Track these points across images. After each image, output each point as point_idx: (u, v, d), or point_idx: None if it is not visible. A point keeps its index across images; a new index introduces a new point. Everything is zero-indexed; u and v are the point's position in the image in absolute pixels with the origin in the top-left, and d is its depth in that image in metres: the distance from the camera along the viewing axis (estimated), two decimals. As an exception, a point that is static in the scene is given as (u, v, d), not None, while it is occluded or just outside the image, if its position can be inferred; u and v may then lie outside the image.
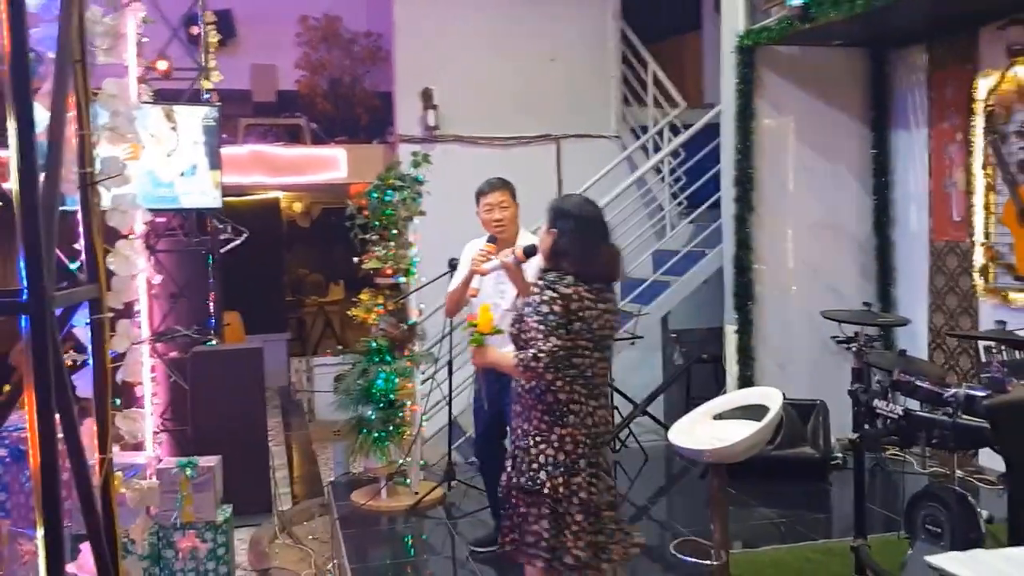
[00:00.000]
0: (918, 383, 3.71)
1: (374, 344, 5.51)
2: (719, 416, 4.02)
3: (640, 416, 6.88)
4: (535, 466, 3.03)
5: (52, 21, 2.32)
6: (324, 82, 10.16)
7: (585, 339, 3.00)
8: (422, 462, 5.88)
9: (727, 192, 6.59)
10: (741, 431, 3.62)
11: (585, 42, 9.07)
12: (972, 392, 3.41)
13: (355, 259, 5.65)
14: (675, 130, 8.23)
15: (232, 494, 5.06)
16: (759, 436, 3.58)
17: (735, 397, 4.09)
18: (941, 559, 2.10)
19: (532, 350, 2.95)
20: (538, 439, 3.04)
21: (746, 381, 6.42)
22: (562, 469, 3.01)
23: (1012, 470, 1.35)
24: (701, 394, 7.30)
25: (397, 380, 5.54)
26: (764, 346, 6.52)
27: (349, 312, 5.84)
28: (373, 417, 5.53)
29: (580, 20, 9.04)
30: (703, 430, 3.89)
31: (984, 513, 3.54)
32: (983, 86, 5.74)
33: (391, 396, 5.53)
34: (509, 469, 3.15)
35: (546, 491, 3.01)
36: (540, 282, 3.06)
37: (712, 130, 7.29)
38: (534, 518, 3.06)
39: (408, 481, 5.75)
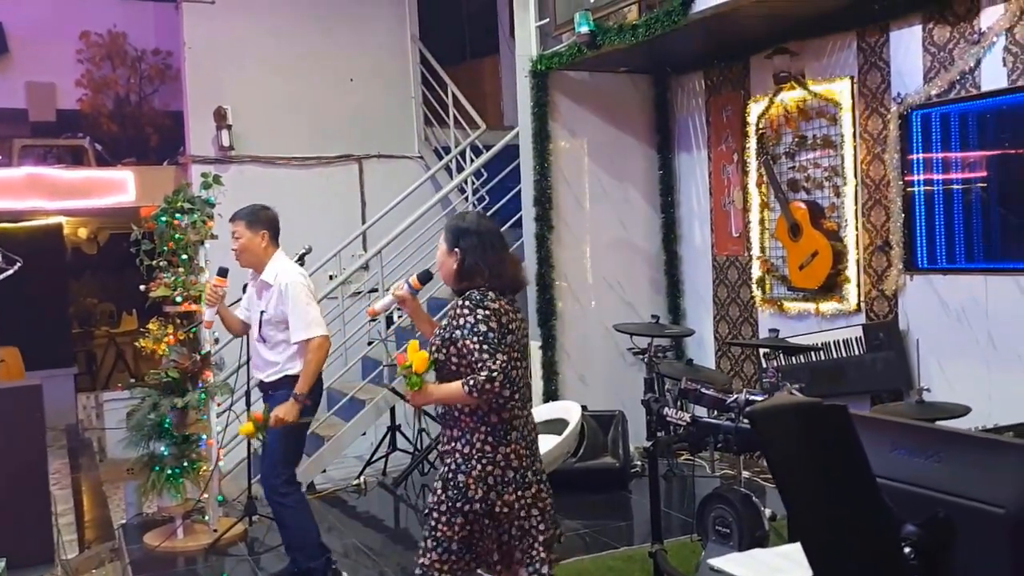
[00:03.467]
0: (703, 390, 3.93)
1: (165, 376, 5.24)
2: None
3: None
4: (484, 488, 2.96)
5: None
6: (109, 101, 9.61)
7: (516, 351, 3.02)
8: (220, 498, 5.62)
9: (527, 211, 6.75)
10: (544, 445, 3.70)
11: (385, 63, 9.07)
12: (751, 397, 3.64)
13: (142, 287, 5.36)
14: (477, 151, 8.35)
15: (7, 546, 4.65)
16: (562, 449, 3.68)
17: (537, 412, 4.18)
18: (721, 561, 2.21)
19: (483, 372, 2.88)
20: (483, 461, 2.96)
21: (550, 395, 6.56)
22: (513, 486, 2.99)
23: (776, 471, 1.43)
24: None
25: (192, 414, 5.30)
26: (566, 360, 6.70)
27: (138, 343, 5.52)
28: (166, 453, 5.26)
29: (380, 41, 9.03)
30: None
31: (768, 511, 3.78)
32: (754, 111, 6.18)
33: (186, 431, 5.27)
34: (439, 492, 3.02)
35: (505, 511, 2.98)
36: (466, 303, 2.98)
37: (512, 151, 7.45)
38: (492, 538, 3.03)
39: (207, 518, 5.49)
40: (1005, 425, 2.88)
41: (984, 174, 4.93)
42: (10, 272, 6.16)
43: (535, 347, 6.73)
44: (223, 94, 8.25)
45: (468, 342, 2.93)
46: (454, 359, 2.97)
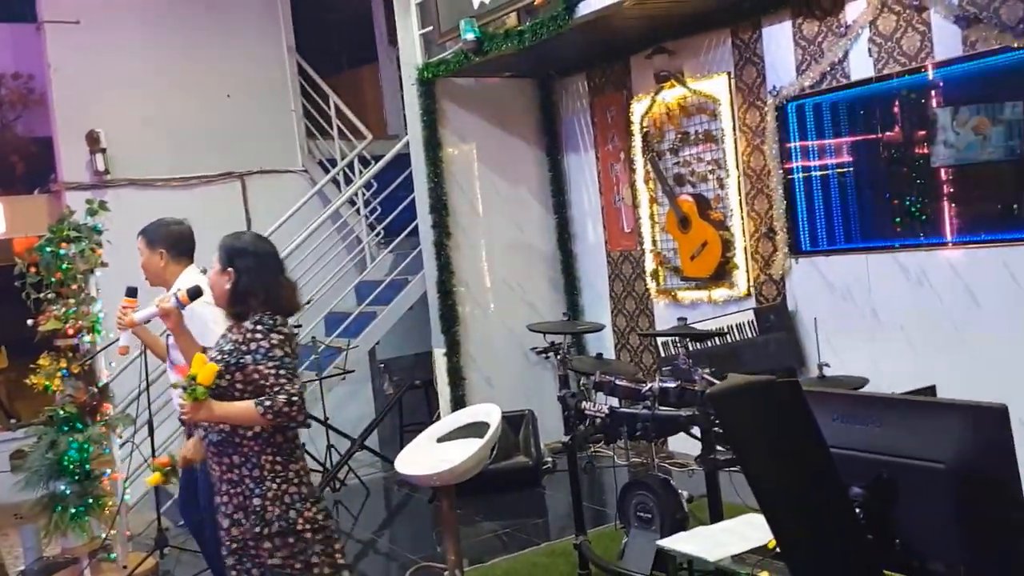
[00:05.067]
0: (617, 382, 4.05)
1: (61, 412, 5.03)
2: (442, 439, 4.12)
3: (358, 450, 6.86)
4: (281, 507, 2.93)
5: None
6: (-34, 129, 9.10)
7: (299, 375, 3.03)
8: (128, 532, 5.44)
9: (424, 219, 6.77)
10: (466, 450, 3.74)
11: (262, 76, 8.90)
12: (665, 384, 3.78)
13: (29, 321, 5.13)
14: (364, 161, 8.31)
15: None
16: (483, 452, 3.72)
17: (456, 418, 4.22)
18: (670, 541, 2.31)
19: (282, 395, 2.84)
20: (277, 480, 2.93)
21: (458, 401, 6.62)
22: (311, 502, 2.99)
23: (737, 446, 1.53)
24: (414, 420, 7.42)
25: (92, 448, 5.10)
26: (472, 365, 6.76)
27: (29, 380, 5.27)
28: (68, 492, 5.05)
29: (256, 54, 8.86)
30: (429, 454, 3.97)
31: (685, 494, 3.92)
32: (638, 110, 6.38)
33: (87, 467, 5.07)
34: (242, 522, 2.95)
35: (307, 526, 2.95)
36: (259, 327, 2.93)
37: (402, 160, 7.45)
38: (287, 558, 2.95)
39: (114, 556, 5.29)
40: (899, 394, 3.08)
41: (857, 159, 5.24)
42: None
43: (439, 354, 6.77)
44: (95, 116, 7.94)
45: (262, 367, 2.88)
46: (239, 385, 2.91)
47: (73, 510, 5.05)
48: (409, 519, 6.21)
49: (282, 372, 2.87)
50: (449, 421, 4.23)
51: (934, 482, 1.40)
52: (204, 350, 3.12)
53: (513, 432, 6.21)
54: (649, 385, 3.83)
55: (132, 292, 4.13)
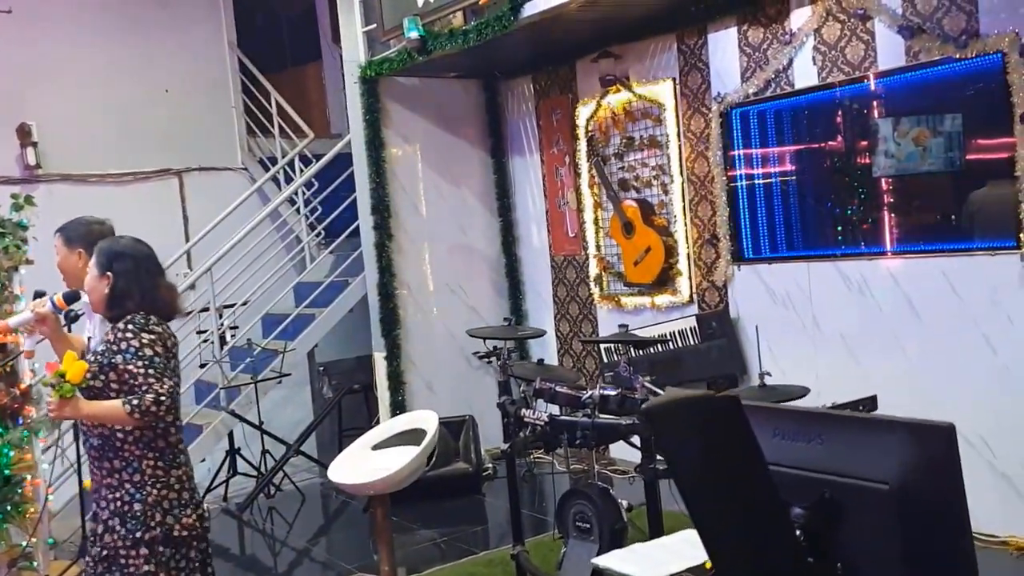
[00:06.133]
0: (557, 389, 3.98)
1: (-20, 415, 4.81)
2: (377, 446, 4.01)
3: (293, 456, 6.70)
4: (161, 512, 2.88)
5: None
6: None
7: (178, 375, 2.99)
8: (51, 540, 5.22)
9: (365, 220, 6.65)
10: (401, 458, 3.64)
11: (201, 72, 8.69)
12: (605, 392, 3.72)
13: (-52, 320, 4.90)
14: (305, 160, 8.15)
15: None
16: (420, 460, 3.63)
17: (392, 425, 4.11)
18: (605, 560, 2.24)
19: (150, 395, 2.79)
20: (158, 486, 2.89)
21: (398, 406, 6.51)
22: (191, 507, 2.95)
23: (673, 463, 1.46)
24: (353, 424, 7.28)
25: (12, 453, 4.89)
26: (412, 369, 6.65)
27: (-55, 381, 5.03)
28: (-14, 499, 4.82)
29: (194, 50, 8.64)
30: (364, 462, 3.86)
31: (624, 503, 3.86)
32: (583, 113, 6.34)
33: (7, 472, 4.86)
34: (117, 528, 2.87)
35: (184, 533, 2.91)
36: (129, 326, 2.88)
37: (344, 159, 7.31)
38: (158, 565, 2.88)
39: (36, 564, 5.07)
40: (843, 403, 3.06)
41: (800, 167, 5.25)
42: None
43: (379, 358, 6.65)
44: (26, 109, 7.67)
45: (131, 366, 2.85)
46: (113, 385, 2.88)
47: (-9, 518, 4.84)
48: (346, 526, 6.07)
49: (151, 372, 2.82)
50: (385, 428, 4.13)
51: (878, 503, 1.34)
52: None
53: (453, 438, 6.12)
54: (590, 392, 3.77)
55: (40, 295, 3.93)
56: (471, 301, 6.96)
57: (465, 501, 5.94)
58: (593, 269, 6.40)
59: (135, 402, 2.79)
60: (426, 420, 3.93)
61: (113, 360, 2.86)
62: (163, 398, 2.81)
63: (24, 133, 7.64)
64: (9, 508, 4.90)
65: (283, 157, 8.33)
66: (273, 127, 8.59)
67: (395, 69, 6.33)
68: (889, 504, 1.33)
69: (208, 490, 6.44)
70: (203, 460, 6.66)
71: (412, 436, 3.95)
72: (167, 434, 2.93)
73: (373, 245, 6.58)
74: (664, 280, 5.83)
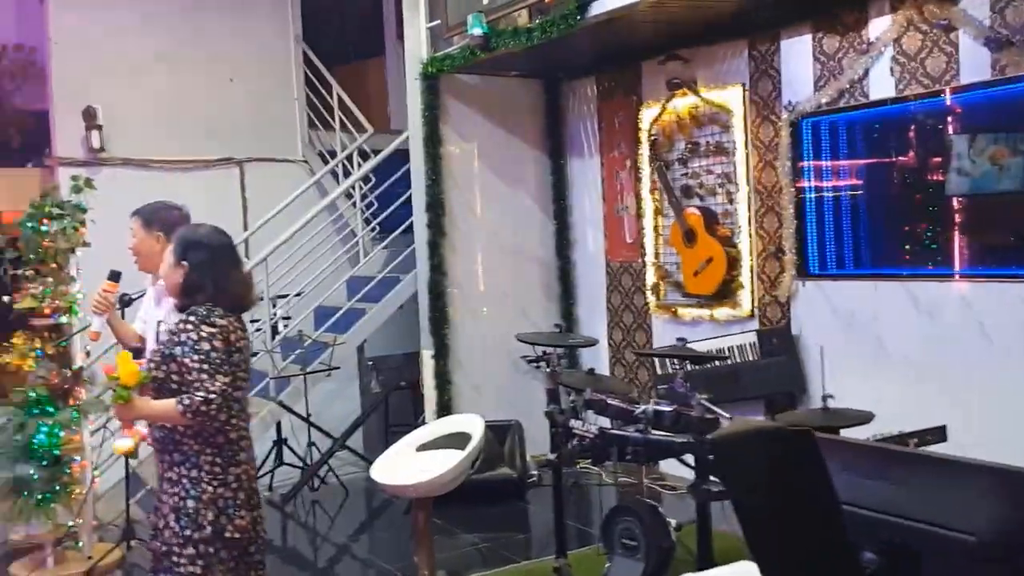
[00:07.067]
0: (609, 401, 3.86)
1: (32, 394, 4.86)
2: (422, 447, 3.94)
3: (339, 450, 6.67)
4: (215, 511, 2.82)
5: None
6: (-37, 98, 8.90)
7: (243, 370, 2.91)
8: (96, 522, 5.26)
9: (419, 218, 6.59)
10: (446, 462, 3.56)
11: (267, 63, 8.73)
12: (660, 408, 3.59)
13: (4, 298, 4.96)
14: (364, 155, 8.13)
15: None
16: (464, 465, 3.55)
17: (437, 427, 4.04)
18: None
19: (200, 393, 2.73)
20: (215, 483, 2.82)
21: (444, 406, 6.43)
22: (246, 509, 2.88)
23: (736, 496, 1.35)
24: (399, 421, 7.24)
25: (62, 433, 4.93)
26: (460, 370, 6.57)
27: (1, 358, 5.10)
28: (36, 477, 4.87)
29: (261, 40, 8.69)
30: (407, 463, 3.79)
31: (673, 522, 3.74)
32: (647, 117, 6.20)
33: (55, 452, 4.90)
34: (172, 525, 2.82)
35: (237, 535, 2.85)
36: (191, 317, 2.83)
37: (402, 155, 7.27)
38: (206, 568, 2.82)
39: (80, 544, 5.12)
40: (908, 432, 2.91)
41: (870, 181, 5.06)
42: None
43: (427, 356, 6.59)
44: (93, 92, 7.77)
45: (188, 360, 2.79)
46: (175, 377, 2.82)
47: (39, 496, 4.88)
48: (388, 524, 6.02)
49: (205, 367, 2.76)
50: (431, 429, 4.05)
51: (961, 556, 1.21)
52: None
53: (498, 442, 6.02)
54: (643, 407, 3.64)
55: (115, 276, 3.93)
56: (522, 304, 6.85)
57: (508, 507, 5.85)
58: (650, 277, 6.26)
59: (186, 401, 2.74)
60: (472, 424, 3.85)
61: (173, 351, 2.82)
62: (213, 396, 2.74)
63: (90, 116, 7.74)
64: (57, 488, 4.94)
65: (342, 150, 8.32)
66: (334, 120, 8.59)
67: (457, 66, 6.26)
68: (974, 557, 1.20)
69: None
70: (249, 449, 6.66)
71: (458, 439, 3.87)
72: (226, 430, 2.86)
73: (426, 242, 6.53)
74: (725, 292, 5.66)
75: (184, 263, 2.91)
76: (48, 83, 7.99)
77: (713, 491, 3.37)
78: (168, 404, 2.77)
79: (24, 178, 8.49)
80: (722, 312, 5.71)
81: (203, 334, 2.80)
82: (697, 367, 5.34)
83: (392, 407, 7.59)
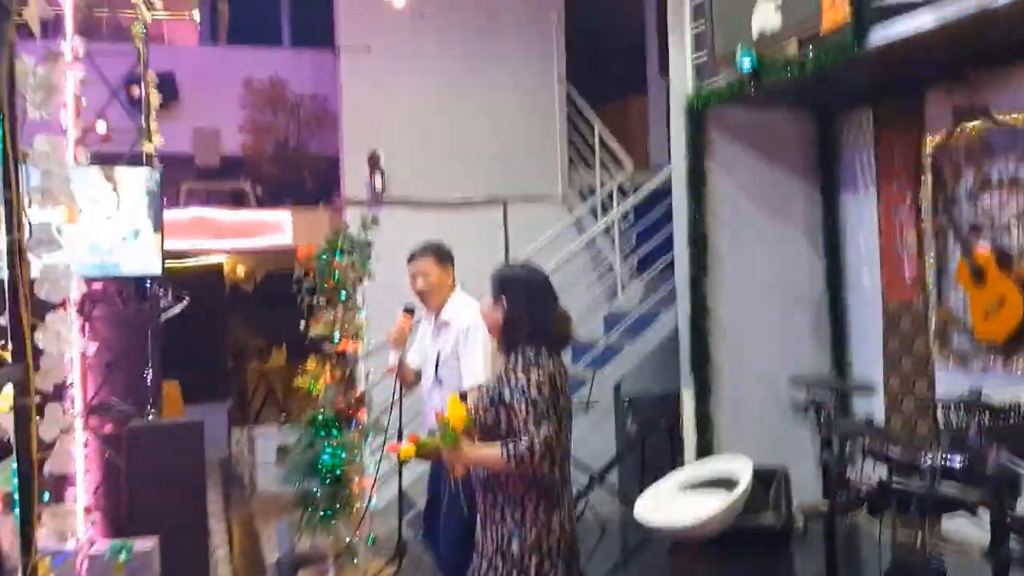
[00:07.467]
0: (891, 451, 3.61)
1: (320, 416, 5.27)
2: (686, 487, 3.87)
3: (597, 486, 6.68)
4: (538, 557, 2.78)
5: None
6: (269, 146, 9.96)
7: (567, 415, 2.86)
8: (372, 539, 5.59)
9: (680, 253, 6.53)
10: (714, 503, 3.47)
11: (531, 105, 9.07)
12: (949, 460, 3.31)
13: (302, 324, 5.44)
14: (622, 191, 8.20)
15: (169, 578, 4.73)
16: (735, 507, 3.46)
17: (702, 467, 3.96)
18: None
19: (524, 442, 2.71)
20: (538, 526, 2.79)
21: (705, 447, 6.26)
22: (564, 558, 2.82)
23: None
24: (656, 462, 7.15)
25: (344, 455, 5.31)
26: (721, 411, 6.38)
27: (296, 382, 5.59)
28: (320, 493, 5.26)
29: (527, 82, 9.04)
30: (672, 503, 3.74)
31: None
32: (930, 148, 5.79)
33: (338, 471, 5.27)
34: (497, 566, 2.82)
35: None
36: (519, 360, 2.83)
37: (661, 192, 7.26)
38: None
39: (356, 560, 5.46)
40: None
41: None
42: (178, 309, 6.39)
43: (687, 396, 6.47)
44: (376, 138, 8.43)
45: (515, 404, 2.76)
46: (502, 421, 2.80)
47: (323, 511, 5.26)
48: (645, 565, 5.92)
49: (531, 414, 2.73)
50: (695, 470, 3.99)
51: None
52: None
53: (763, 488, 5.77)
54: (929, 460, 3.37)
55: (410, 310, 4.19)
56: (788, 344, 6.57)
57: (772, 556, 5.58)
58: (934, 319, 5.80)
59: (511, 449, 2.73)
60: (739, 467, 3.74)
61: (502, 394, 2.82)
62: (536, 445, 2.71)
63: (374, 160, 8.38)
64: (338, 505, 5.31)
65: (601, 187, 8.44)
66: (594, 158, 8.74)
67: (723, 99, 6.17)
68: None
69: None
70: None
71: (723, 481, 3.77)
72: (552, 473, 2.81)
73: (687, 278, 6.44)
74: (1021, 338, 5.14)
75: (503, 301, 2.93)
76: (339, 130, 8.76)
77: (1016, 555, 3.04)
78: (494, 450, 2.77)
79: (316, 216, 9.35)
80: (1020, 359, 5.17)
81: (531, 378, 2.78)
82: (987, 419, 4.86)
83: (648, 446, 7.52)
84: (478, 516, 2.95)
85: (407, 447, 3.14)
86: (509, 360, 2.87)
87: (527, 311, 2.89)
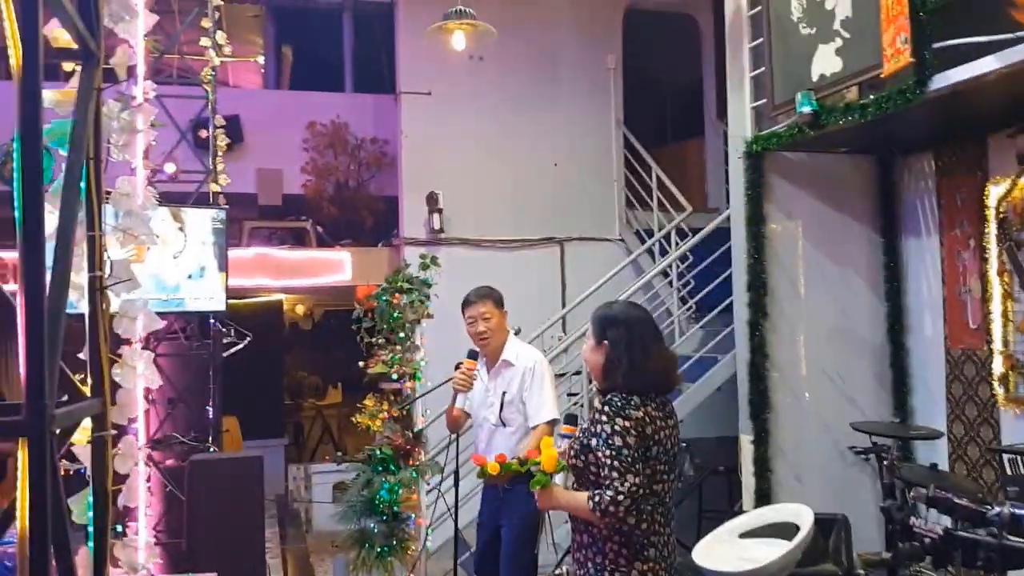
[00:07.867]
0: (956, 500, 3.53)
1: (378, 453, 5.32)
2: (745, 534, 3.83)
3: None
4: None
5: (65, 116, 2.24)
6: (330, 186, 10.19)
7: (662, 463, 2.78)
8: (426, 579, 5.62)
9: (740, 297, 6.49)
10: (773, 552, 3.42)
11: (589, 147, 9.17)
12: (1018, 511, 3.23)
13: (360, 363, 5.52)
14: (681, 234, 8.20)
15: (225, 613, 4.79)
16: (793, 556, 3.39)
17: (761, 515, 3.91)
18: None
19: (609, 492, 2.65)
20: (617, 574, 2.73)
21: (763, 494, 6.19)
22: None
23: None
24: (713, 506, 7.04)
25: (401, 491, 5.34)
26: (781, 457, 6.30)
27: (354, 419, 5.66)
28: (376, 530, 5.30)
29: (584, 126, 9.15)
30: (729, 550, 3.70)
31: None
32: (994, 193, 5.70)
33: (395, 508, 5.31)
34: None
35: None
36: (606, 408, 2.75)
37: (719, 234, 7.25)
38: None
39: (411, 599, 5.48)
40: None
41: None
42: (240, 346, 6.53)
43: (746, 441, 6.40)
44: (435, 179, 8.58)
45: (601, 453, 2.69)
46: (592, 468, 2.74)
47: (379, 549, 5.30)
48: (700, 612, 5.84)
49: (616, 464, 2.66)
50: (754, 516, 3.93)
51: None
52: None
53: (823, 537, 5.66)
54: (997, 509, 3.29)
55: (474, 355, 4.25)
56: (849, 391, 6.47)
57: (831, 607, 5.46)
58: (998, 367, 5.67)
59: (596, 499, 2.68)
60: (800, 515, 3.68)
61: (590, 442, 2.77)
62: (621, 497, 2.63)
63: (432, 200, 8.52)
64: (395, 543, 5.35)
65: (659, 230, 8.45)
66: (652, 200, 8.77)
67: (782, 144, 6.16)
68: None
69: (567, 552, 6.56)
70: (565, 522, 6.81)
71: (782, 529, 3.72)
72: (638, 524, 2.72)
73: (746, 322, 6.39)
74: (1089, 386, 5.02)
75: (605, 343, 2.85)
76: (399, 172, 8.93)
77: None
78: (581, 497, 2.73)
79: (375, 256, 9.50)
80: (1090, 409, 5.04)
81: (617, 427, 2.69)
82: (1059, 470, 4.73)
83: (706, 491, 7.42)
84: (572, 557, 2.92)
85: (494, 464, 3.13)
86: (597, 408, 2.81)
87: (627, 352, 2.81)
